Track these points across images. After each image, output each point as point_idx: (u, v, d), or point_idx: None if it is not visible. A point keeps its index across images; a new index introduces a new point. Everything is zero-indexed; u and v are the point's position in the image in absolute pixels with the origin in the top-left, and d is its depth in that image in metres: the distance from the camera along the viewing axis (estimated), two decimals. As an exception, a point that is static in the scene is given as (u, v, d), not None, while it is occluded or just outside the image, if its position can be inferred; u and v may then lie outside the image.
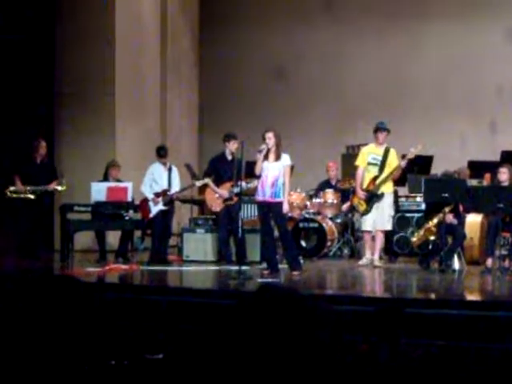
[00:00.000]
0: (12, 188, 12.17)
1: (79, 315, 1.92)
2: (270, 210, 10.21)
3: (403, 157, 11.61)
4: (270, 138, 10.14)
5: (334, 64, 16.26)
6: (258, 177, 10.26)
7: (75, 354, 1.88)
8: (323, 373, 1.81)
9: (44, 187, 12.31)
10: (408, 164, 11.58)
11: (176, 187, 11.97)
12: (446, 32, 15.65)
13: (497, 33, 15.35)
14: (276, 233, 10.46)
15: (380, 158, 11.53)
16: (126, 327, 7.31)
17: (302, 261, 11.78)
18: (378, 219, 11.46)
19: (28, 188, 12.18)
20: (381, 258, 11.82)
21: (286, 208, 10.29)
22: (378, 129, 11.62)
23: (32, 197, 12.18)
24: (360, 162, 11.70)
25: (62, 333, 1.88)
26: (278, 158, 10.22)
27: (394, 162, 11.51)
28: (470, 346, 6.76)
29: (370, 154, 11.62)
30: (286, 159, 10.30)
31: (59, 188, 12.54)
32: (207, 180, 11.91)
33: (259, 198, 10.27)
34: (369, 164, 11.59)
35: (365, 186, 11.56)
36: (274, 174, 10.17)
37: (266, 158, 10.17)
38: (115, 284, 9.87)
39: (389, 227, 11.68)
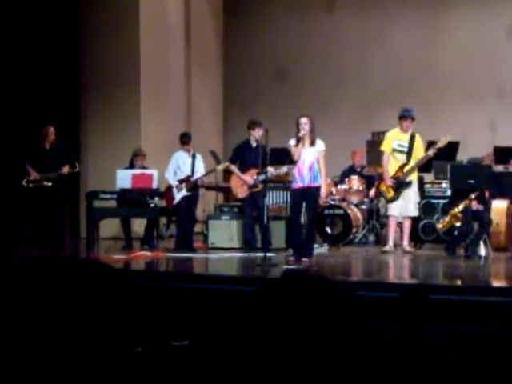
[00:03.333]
0: (28, 178, 12.16)
1: (107, 301, 1.93)
2: (306, 195, 10.15)
3: (429, 144, 11.54)
4: (306, 123, 10.11)
5: (360, 51, 16.17)
6: (291, 162, 10.23)
7: (103, 341, 1.90)
8: (348, 359, 1.81)
9: (57, 172, 12.25)
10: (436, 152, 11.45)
11: (200, 174, 11.98)
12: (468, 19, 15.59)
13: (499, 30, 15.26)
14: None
15: (406, 144, 11.42)
16: (152, 314, 7.35)
17: (326, 248, 11.78)
18: (405, 206, 11.44)
19: (43, 175, 12.19)
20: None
21: (323, 192, 10.30)
22: (403, 116, 11.48)
23: (49, 184, 12.17)
24: (385, 147, 11.59)
25: (89, 319, 1.90)
26: (313, 143, 10.19)
27: (420, 148, 11.43)
28: (496, 333, 6.74)
29: (394, 139, 11.51)
30: (320, 144, 10.26)
31: (72, 170, 12.47)
32: (227, 163, 11.92)
33: (297, 184, 10.19)
34: (395, 151, 11.49)
35: (392, 174, 11.48)
36: (311, 159, 10.14)
37: (300, 143, 10.16)
38: (141, 271, 9.91)
39: (416, 214, 11.69)
